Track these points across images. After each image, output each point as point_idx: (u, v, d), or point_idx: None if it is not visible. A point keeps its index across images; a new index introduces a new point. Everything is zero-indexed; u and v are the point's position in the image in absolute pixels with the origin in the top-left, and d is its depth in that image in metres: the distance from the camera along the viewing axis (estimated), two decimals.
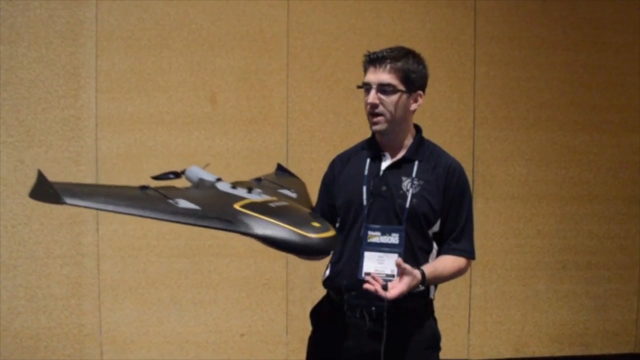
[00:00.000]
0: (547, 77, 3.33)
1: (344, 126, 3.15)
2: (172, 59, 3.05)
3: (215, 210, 1.48)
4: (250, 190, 1.62)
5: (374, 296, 1.62)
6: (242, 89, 3.10)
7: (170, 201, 1.46)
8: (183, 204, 1.46)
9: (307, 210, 1.65)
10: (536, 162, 3.34)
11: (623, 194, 3.43)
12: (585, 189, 3.39)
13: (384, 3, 3.19)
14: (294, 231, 1.42)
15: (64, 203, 1.34)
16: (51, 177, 3.30)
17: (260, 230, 1.41)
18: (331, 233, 1.48)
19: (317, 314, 1.83)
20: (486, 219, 3.27)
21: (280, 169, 2.19)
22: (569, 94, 3.36)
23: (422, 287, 1.61)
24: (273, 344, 3.16)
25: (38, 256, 2.98)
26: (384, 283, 1.54)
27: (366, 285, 1.56)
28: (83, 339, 3.02)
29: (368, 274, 1.61)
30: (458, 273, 1.71)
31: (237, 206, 1.49)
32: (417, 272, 1.58)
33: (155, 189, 1.54)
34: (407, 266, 1.56)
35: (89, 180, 3.00)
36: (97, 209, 1.45)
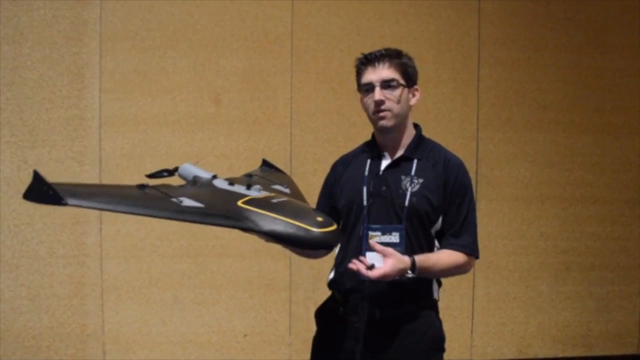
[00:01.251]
0: (551, 79, 3.34)
1: (348, 127, 3.15)
2: (176, 59, 3.05)
3: (219, 207, 1.48)
4: (249, 187, 1.61)
5: (379, 297, 1.62)
6: (246, 90, 3.10)
7: (174, 200, 1.46)
8: (187, 202, 1.46)
9: (309, 206, 1.65)
10: (539, 163, 3.34)
11: (626, 196, 3.43)
12: (588, 190, 3.40)
13: (388, 5, 3.19)
14: (298, 225, 1.42)
15: (65, 204, 1.31)
16: (54, 177, 3.29)
17: (266, 226, 1.42)
18: (334, 227, 1.48)
19: (322, 315, 1.82)
20: (489, 220, 3.27)
21: (266, 164, 2.19)
22: (573, 96, 3.36)
23: (411, 274, 1.57)
24: (276, 344, 3.16)
25: (41, 256, 2.98)
26: (370, 264, 1.53)
27: (350, 265, 1.55)
28: (85, 339, 3.02)
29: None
30: (456, 268, 1.68)
31: (239, 203, 1.48)
32: (404, 257, 1.56)
33: (155, 187, 1.52)
34: (386, 248, 1.55)
35: (93, 180, 3.00)
36: (101, 209, 1.43)
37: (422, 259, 1.59)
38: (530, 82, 3.32)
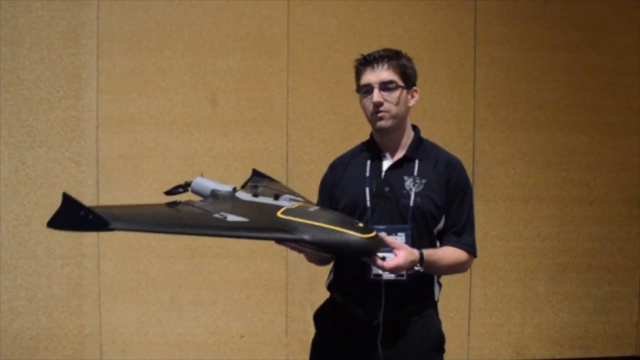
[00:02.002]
0: (548, 79, 3.33)
1: (344, 127, 3.15)
2: (173, 60, 3.05)
3: (263, 220, 1.45)
4: (276, 197, 1.59)
5: (379, 299, 1.62)
6: (242, 90, 3.11)
7: (217, 215, 1.41)
8: (230, 217, 1.42)
9: (341, 213, 1.63)
10: (536, 164, 3.34)
11: (623, 196, 3.42)
12: (585, 191, 3.39)
13: (384, 4, 3.19)
14: (346, 233, 1.41)
15: (112, 229, 1.20)
16: (52, 178, 3.30)
17: (316, 236, 1.40)
18: (374, 233, 1.47)
19: (321, 317, 1.82)
20: (486, 220, 3.26)
21: (257, 174, 2.15)
22: (570, 96, 3.36)
23: (419, 268, 1.58)
24: (272, 345, 3.15)
25: (39, 256, 2.99)
26: (382, 256, 1.52)
27: (364, 258, 1.54)
28: (83, 340, 3.03)
29: (378, 275, 1.61)
30: (458, 266, 1.70)
31: (279, 214, 1.46)
32: (413, 250, 1.56)
33: (188, 204, 1.48)
34: (395, 241, 1.55)
35: (90, 180, 3.01)
36: (150, 232, 1.32)
37: (429, 253, 1.61)
38: (526, 81, 3.31)
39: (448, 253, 1.67)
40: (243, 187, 1.91)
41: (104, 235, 3.01)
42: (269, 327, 3.15)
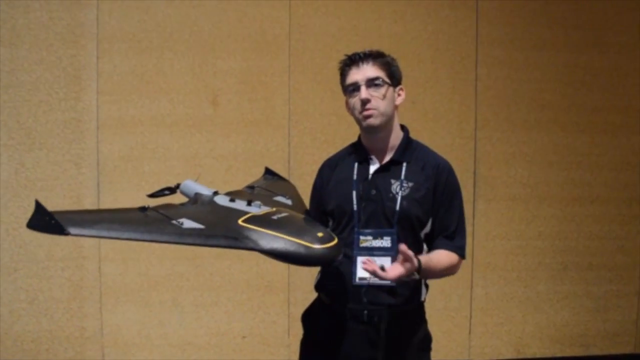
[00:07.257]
0: (549, 79, 3.34)
1: (346, 128, 3.13)
2: (174, 61, 3.04)
3: (220, 228, 1.49)
4: (249, 202, 1.62)
5: (367, 299, 1.64)
6: (243, 91, 3.09)
7: (174, 222, 1.47)
8: (187, 224, 1.47)
9: (310, 219, 1.66)
10: (537, 163, 3.35)
11: (624, 195, 3.44)
12: (586, 190, 3.40)
13: (385, 5, 3.18)
14: (299, 243, 1.43)
15: (67, 234, 1.34)
16: (52, 180, 3.29)
17: (267, 245, 1.42)
18: (334, 242, 1.48)
19: (309, 318, 1.83)
20: (488, 220, 3.27)
21: (269, 172, 2.19)
22: (571, 96, 3.36)
23: (416, 276, 1.58)
24: (275, 346, 3.16)
25: (39, 259, 2.98)
26: (381, 265, 1.53)
27: (364, 266, 1.54)
28: (84, 342, 3.02)
29: (363, 278, 1.61)
30: (449, 269, 1.69)
31: (240, 222, 1.50)
32: (415, 260, 1.55)
33: (156, 210, 1.54)
34: (411, 253, 1.54)
35: (91, 183, 2.99)
36: (103, 237, 1.44)
37: (426, 260, 1.60)
38: (528, 81, 3.32)
39: (442, 258, 1.66)
40: (251, 186, 1.93)
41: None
42: (271, 328, 3.15)
